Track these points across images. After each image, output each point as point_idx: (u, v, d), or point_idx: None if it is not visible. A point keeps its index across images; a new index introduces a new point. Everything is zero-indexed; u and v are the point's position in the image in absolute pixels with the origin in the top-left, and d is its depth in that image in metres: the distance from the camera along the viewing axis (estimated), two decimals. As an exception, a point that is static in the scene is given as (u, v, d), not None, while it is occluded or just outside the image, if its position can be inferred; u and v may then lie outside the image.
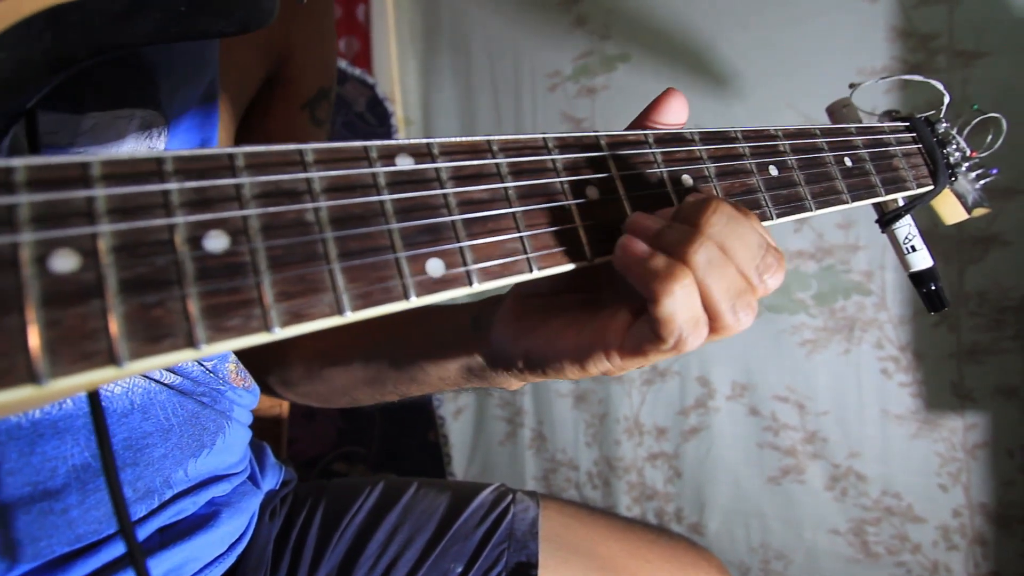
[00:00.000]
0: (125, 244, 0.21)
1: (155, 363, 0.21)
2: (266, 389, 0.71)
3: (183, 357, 0.22)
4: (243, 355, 0.69)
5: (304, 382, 0.65)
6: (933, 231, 1.25)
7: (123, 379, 0.46)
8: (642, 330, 0.33)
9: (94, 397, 0.25)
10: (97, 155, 0.21)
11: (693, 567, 0.68)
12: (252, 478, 0.63)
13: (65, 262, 0.20)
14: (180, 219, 0.22)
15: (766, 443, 1.45)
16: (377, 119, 1.76)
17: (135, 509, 0.47)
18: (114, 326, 0.20)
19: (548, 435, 1.72)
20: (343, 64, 1.72)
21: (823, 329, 1.38)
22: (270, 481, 0.66)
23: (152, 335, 0.21)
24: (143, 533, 0.48)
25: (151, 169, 0.22)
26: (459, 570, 0.60)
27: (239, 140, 0.63)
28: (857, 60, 1.30)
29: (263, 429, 0.83)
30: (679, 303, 0.31)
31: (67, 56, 0.25)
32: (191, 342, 0.21)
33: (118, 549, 0.45)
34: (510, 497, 0.66)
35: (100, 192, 0.21)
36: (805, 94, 1.35)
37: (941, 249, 1.25)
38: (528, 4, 1.66)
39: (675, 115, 0.40)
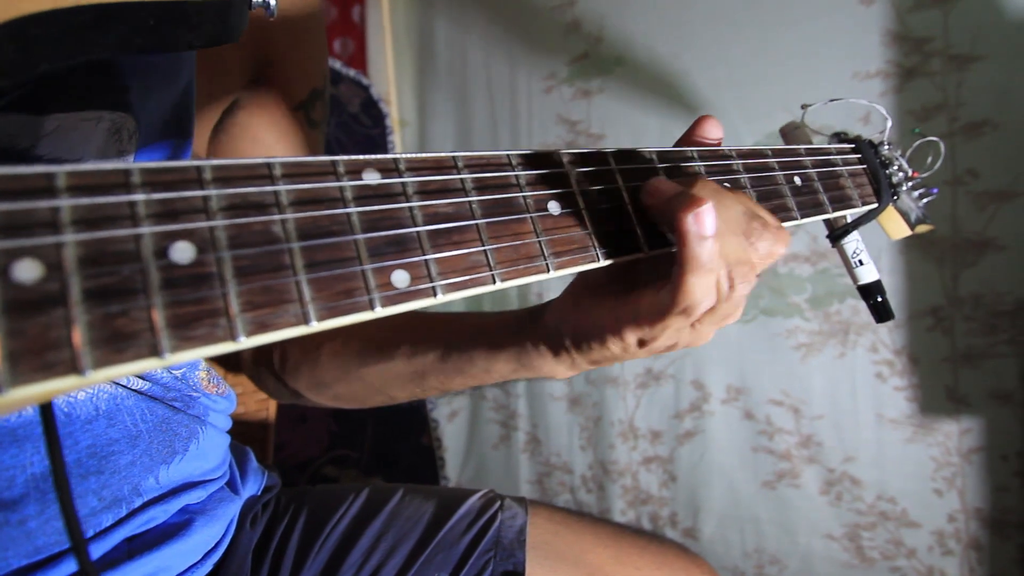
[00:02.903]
0: (90, 254, 0.21)
1: (119, 372, 0.21)
2: (293, 396, 0.70)
3: (147, 366, 0.22)
4: (268, 360, 0.69)
5: (339, 383, 0.64)
6: (928, 235, 1.25)
7: (89, 386, 0.45)
8: (661, 297, 0.39)
9: (46, 408, 0.25)
10: (63, 166, 0.21)
11: (684, 573, 0.67)
12: (231, 484, 0.62)
13: (27, 272, 0.20)
14: (146, 229, 0.22)
15: (761, 447, 1.45)
16: (372, 120, 1.75)
17: (101, 518, 0.46)
18: (77, 335, 0.20)
19: (542, 439, 1.72)
20: (337, 65, 1.72)
21: (818, 333, 1.38)
22: (251, 487, 0.65)
23: (116, 344, 0.21)
24: (109, 543, 0.47)
25: (118, 181, 0.22)
26: None
27: (224, 145, 0.63)
28: (852, 63, 1.30)
29: (249, 433, 0.83)
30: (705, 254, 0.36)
31: (30, 67, 0.25)
32: (155, 351, 0.21)
33: None
34: (498, 504, 0.65)
35: (65, 202, 0.21)
36: (800, 97, 1.34)
37: (935, 253, 1.26)
38: (523, 7, 1.67)
39: (712, 134, 0.46)
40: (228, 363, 0.85)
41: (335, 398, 0.67)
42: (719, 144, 0.47)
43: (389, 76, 1.85)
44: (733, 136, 1.41)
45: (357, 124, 1.73)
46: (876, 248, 1.31)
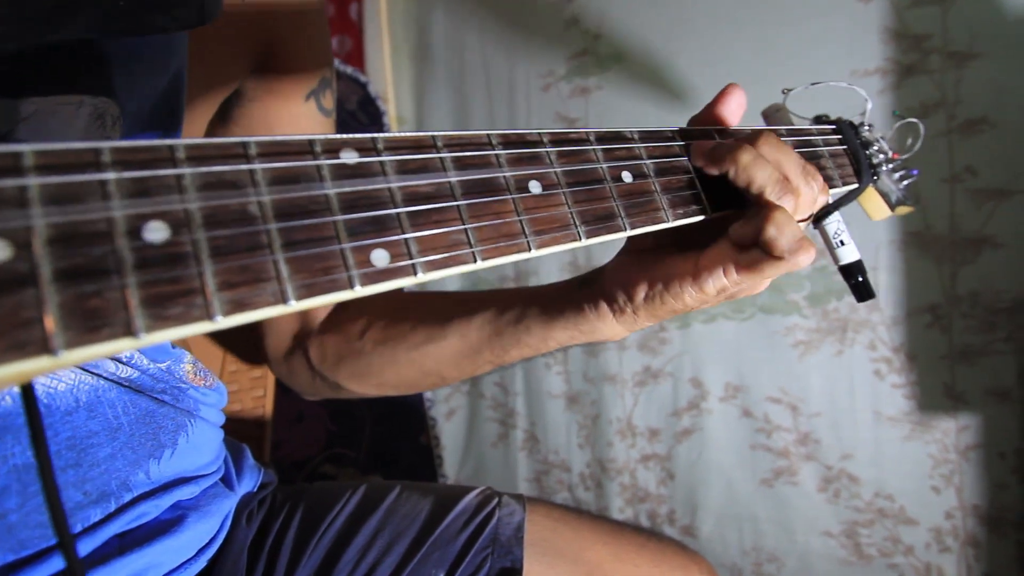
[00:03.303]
0: (61, 234, 0.21)
1: (93, 353, 0.21)
2: (333, 388, 0.71)
3: (122, 347, 0.21)
4: (304, 357, 0.69)
5: (387, 370, 0.66)
6: (926, 232, 1.25)
7: (67, 375, 0.45)
8: (755, 253, 0.43)
9: (27, 390, 0.25)
10: (31, 144, 0.21)
11: (682, 570, 0.67)
12: (226, 480, 0.61)
13: (-5, 252, 0.20)
14: (118, 209, 0.22)
15: (759, 445, 1.44)
16: (369, 118, 1.75)
17: (89, 513, 0.45)
18: (49, 315, 0.20)
19: (540, 437, 1.72)
20: (335, 63, 1.72)
21: (816, 330, 1.37)
22: (247, 483, 0.64)
23: (89, 324, 0.21)
24: (99, 539, 0.46)
25: (88, 159, 0.22)
26: None
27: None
28: (851, 61, 1.30)
29: (245, 430, 0.83)
30: (759, 168, 0.44)
31: None
32: (130, 331, 0.21)
33: None
34: (495, 501, 0.64)
35: (33, 181, 0.21)
36: (798, 95, 1.34)
37: (934, 250, 1.25)
38: (521, 3, 1.66)
39: (735, 109, 0.51)
40: (249, 356, 0.85)
41: (380, 386, 0.68)
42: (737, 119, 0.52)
43: (387, 74, 1.84)
44: (731, 133, 1.40)
45: (354, 121, 1.72)
46: (874, 244, 1.31)
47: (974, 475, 1.25)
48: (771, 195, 0.44)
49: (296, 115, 0.65)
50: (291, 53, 0.63)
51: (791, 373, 1.40)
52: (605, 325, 0.53)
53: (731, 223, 0.46)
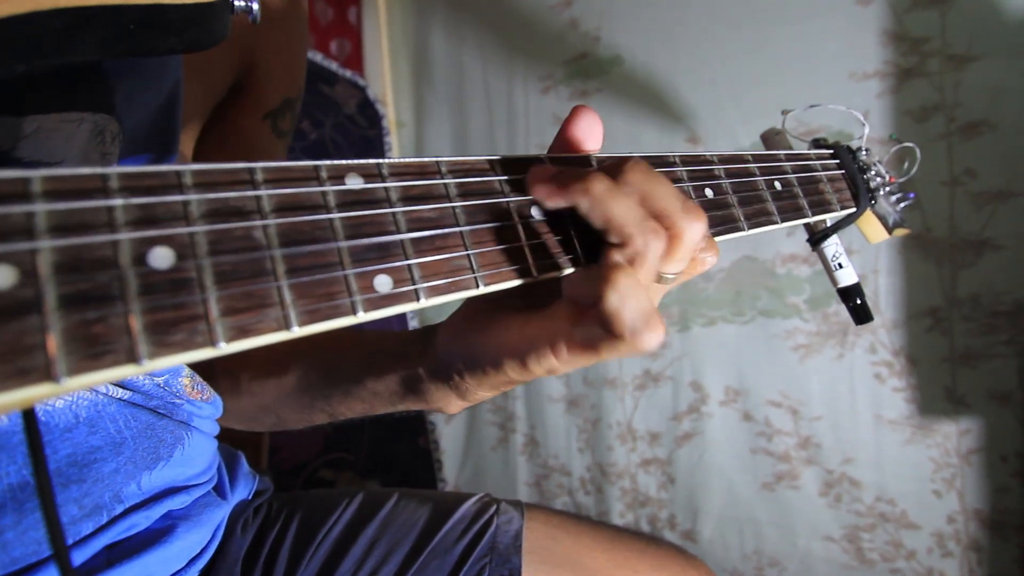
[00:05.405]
0: (66, 260, 0.21)
1: (95, 379, 0.21)
2: None
3: (125, 373, 0.21)
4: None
5: (228, 397, 0.62)
6: (926, 235, 1.25)
7: (66, 394, 0.45)
8: (592, 328, 0.33)
9: (29, 415, 0.25)
10: (38, 170, 0.21)
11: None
12: (219, 489, 0.61)
13: (1, 278, 0.20)
14: (124, 235, 0.22)
15: (759, 449, 1.44)
16: (368, 121, 1.75)
17: (81, 527, 0.45)
18: (52, 342, 0.20)
19: (540, 441, 1.72)
20: (333, 66, 1.71)
21: (816, 334, 1.37)
22: (241, 492, 0.64)
23: (92, 351, 0.21)
24: (89, 551, 0.46)
25: (95, 185, 0.22)
26: None
27: (197, 145, 0.63)
28: (849, 63, 1.30)
29: (243, 436, 0.82)
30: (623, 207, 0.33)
31: (5, 68, 0.25)
32: (133, 357, 0.21)
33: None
34: (494, 508, 0.64)
35: (41, 207, 0.21)
36: (797, 97, 1.35)
37: (934, 253, 1.25)
38: (521, 6, 1.66)
39: (586, 132, 0.40)
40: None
41: (224, 414, 0.64)
42: (596, 148, 0.41)
43: (385, 77, 1.84)
44: (730, 136, 1.41)
45: (353, 125, 1.72)
46: (874, 248, 1.31)
47: (976, 479, 1.25)
48: (634, 234, 0.34)
49: (249, 128, 0.64)
50: (266, 71, 0.63)
51: (791, 377, 1.40)
52: (438, 393, 0.46)
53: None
